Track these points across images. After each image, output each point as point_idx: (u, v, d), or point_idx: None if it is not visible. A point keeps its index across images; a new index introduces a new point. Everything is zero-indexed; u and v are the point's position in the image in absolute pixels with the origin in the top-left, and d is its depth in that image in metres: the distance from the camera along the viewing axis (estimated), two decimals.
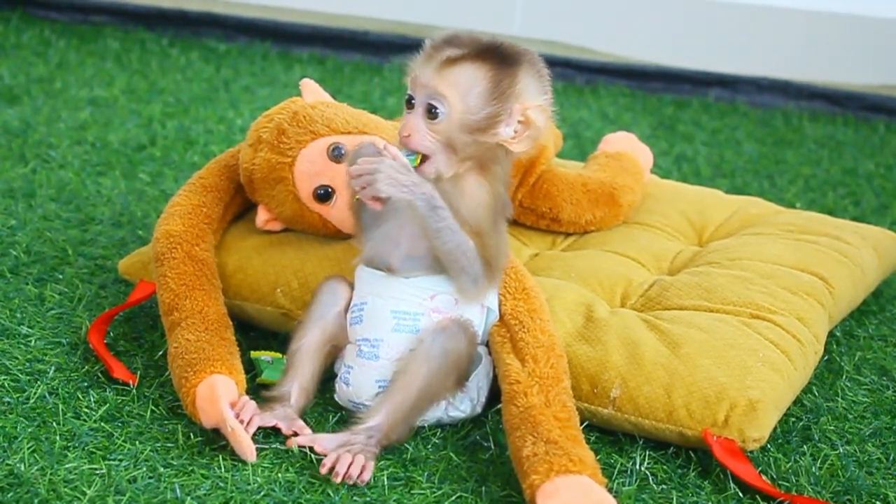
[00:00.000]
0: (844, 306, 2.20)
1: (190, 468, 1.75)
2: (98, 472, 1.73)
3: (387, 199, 1.78)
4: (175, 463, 1.76)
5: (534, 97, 1.82)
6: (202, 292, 1.99)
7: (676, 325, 1.96)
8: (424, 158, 1.82)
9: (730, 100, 3.75)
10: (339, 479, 1.71)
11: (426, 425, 1.88)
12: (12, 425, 1.82)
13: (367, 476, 1.73)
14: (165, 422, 1.87)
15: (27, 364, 1.99)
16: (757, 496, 1.77)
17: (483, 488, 1.76)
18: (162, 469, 1.75)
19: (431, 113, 1.81)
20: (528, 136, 1.83)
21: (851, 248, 2.27)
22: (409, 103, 1.84)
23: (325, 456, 1.76)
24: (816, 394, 2.05)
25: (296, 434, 1.82)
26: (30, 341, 2.05)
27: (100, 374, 1.97)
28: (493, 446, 1.86)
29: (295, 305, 2.05)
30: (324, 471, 1.72)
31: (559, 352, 1.86)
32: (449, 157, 1.82)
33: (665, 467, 1.84)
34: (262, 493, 1.70)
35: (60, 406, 1.87)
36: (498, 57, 1.81)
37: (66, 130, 3.06)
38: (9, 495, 1.66)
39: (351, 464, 1.73)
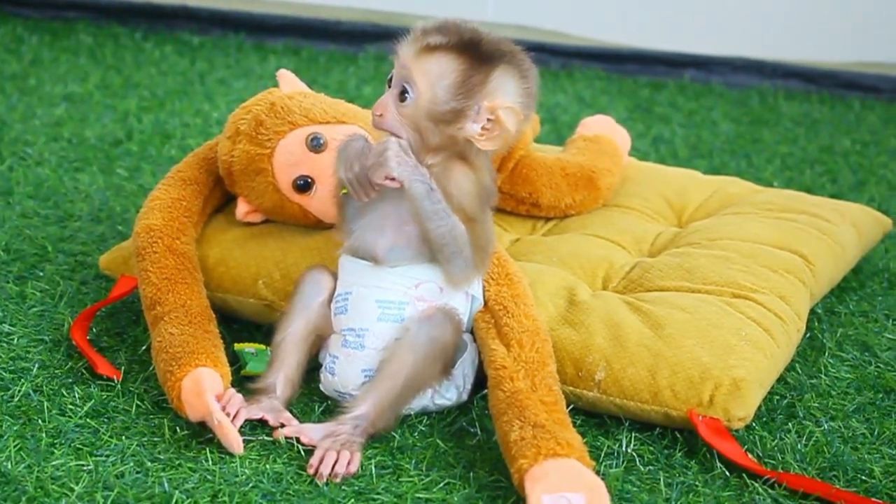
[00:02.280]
0: (825, 283, 2.21)
1: (177, 462, 1.75)
2: (85, 468, 1.73)
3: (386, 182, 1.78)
4: (162, 457, 1.76)
5: (507, 98, 1.81)
6: (184, 286, 1.99)
7: (659, 307, 1.96)
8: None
9: (705, 81, 3.75)
10: (323, 480, 1.71)
11: (412, 413, 1.88)
12: None
13: (353, 468, 1.73)
14: (151, 416, 1.87)
15: (10, 362, 1.98)
16: (743, 474, 1.77)
17: (471, 474, 1.76)
18: (149, 463, 1.74)
19: (402, 95, 1.81)
20: (497, 136, 1.82)
21: (831, 226, 2.28)
22: (389, 82, 1.84)
23: (313, 447, 1.76)
24: (800, 371, 2.06)
25: (283, 425, 1.82)
26: (12, 339, 2.05)
27: (84, 371, 1.97)
28: (479, 432, 1.86)
29: (277, 296, 2.05)
30: (311, 471, 1.73)
31: (544, 336, 1.86)
32: (417, 143, 1.82)
33: (651, 448, 1.85)
34: (251, 485, 1.70)
35: (45, 403, 1.87)
36: (476, 53, 1.81)
37: (42, 127, 3.05)
38: None
39: (336, 462, 1.73)
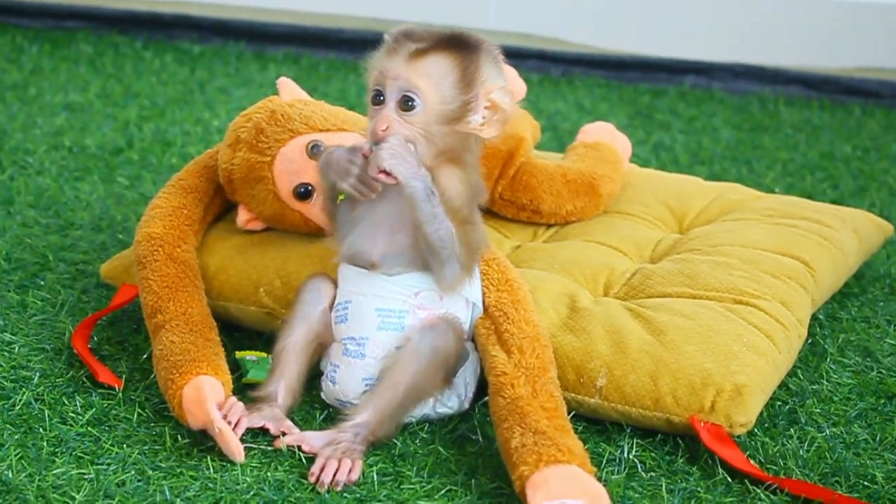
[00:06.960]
0: (826, 289, 2.21)
1: (178, 470, 1.75)
2: (86, 476, 1.73)
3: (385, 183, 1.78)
4: (163, 465, 1.76)
5: (497, 80, 1.84)
6: (185, 294, 1.99)
7: (660, 313, 1.96)
8: None
9: (705, 87, 3.75)
10: (324, 488, 1.71)
11: (413, 421, 1.88)
12: None
13: (354, 476, 1.73)
14: (152, 424, 1.86)
15: (11, 371, 1.98)
16: (745, 480, 1.77)
17: (472, 481, 1.76)
18: (150, 472, 1.74)
19: (407, 105, 1.80)
20: (496, 121, 1.83)
21: (832, 231, 2.28)
22: (377, 99, 1.82)
23: (314, 454, 1.76)
24: (801, 377, 2.06)
25: (284, 434, 1.82)
26: (13, 348, 2.05)
27: (85, 379, 1.97)
28: (481, 439, 1.86)
29: (278, 304, 2.05)
30: (312, 479, 1.72)
31: (544, 342, 1.86)
32: (426, 149, 1.81)
33: (653, 455, 1.84)
34: (252, 493, 1.70)
35: (46, 412, 1.87)
36: (461, 45, 1.82)
37: (43, 136, 3.05)
38: None
39: (337, 469, 1.73)
